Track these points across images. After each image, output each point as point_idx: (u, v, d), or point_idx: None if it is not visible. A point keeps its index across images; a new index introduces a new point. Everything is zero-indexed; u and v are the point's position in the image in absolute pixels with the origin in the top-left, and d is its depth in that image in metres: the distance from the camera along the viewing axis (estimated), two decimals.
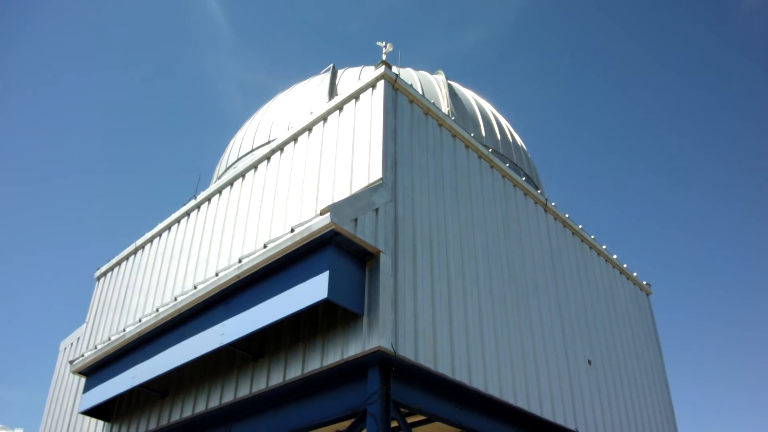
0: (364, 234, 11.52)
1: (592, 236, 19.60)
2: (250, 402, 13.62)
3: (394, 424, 11.43)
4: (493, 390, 13.15)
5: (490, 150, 18.08)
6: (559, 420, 14.92)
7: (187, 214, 17.86)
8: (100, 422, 18.59)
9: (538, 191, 18.49)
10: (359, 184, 12.72)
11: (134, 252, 19.03)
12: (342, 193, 12.89)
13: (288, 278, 11.98)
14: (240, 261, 12.80)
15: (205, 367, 14.91)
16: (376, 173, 12.51)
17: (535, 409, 14.18)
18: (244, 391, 13.51)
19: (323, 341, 12.12)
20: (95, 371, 17.75)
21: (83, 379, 18.66)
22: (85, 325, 21.68)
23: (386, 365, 11.40)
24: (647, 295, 22.35)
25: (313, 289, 11.31)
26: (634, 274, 21.60)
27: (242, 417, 14.14)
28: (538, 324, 15.51)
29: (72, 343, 22.40)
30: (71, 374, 20.57)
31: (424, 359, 11.75)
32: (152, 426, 16.26)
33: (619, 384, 18.14)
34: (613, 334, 18.86)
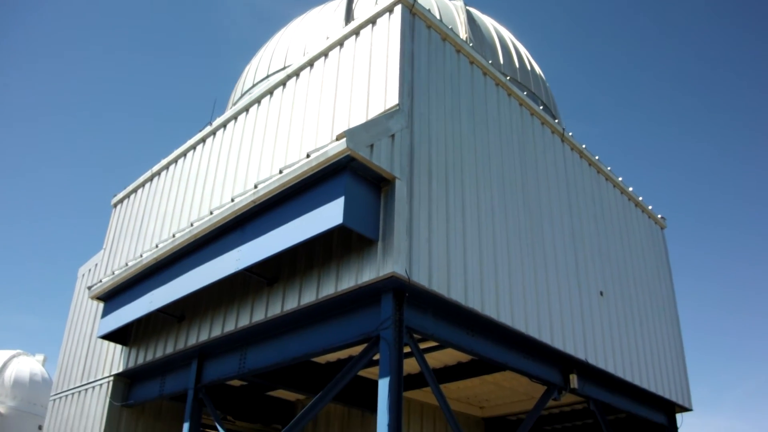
0: (380, 160, 11.48)
1: (609, 168, 19.45)
2: (265, 327, 13.81)
3: (406, 349, 11.53)
4: (505, 318, 13.24)
5: (508, 78, 17.82)
6: (569, 349, 15.04)
7: (203, 140, 17.83)
8: (119, 346, 18.92)
9: (556, 120, 18.28)
10: (375, 110, 12.62)
11: (150, 179, 19.08)
12: (358, 119, 12.80)
13: (303, 204, 12.00)
14: (256, 187, 12.82)
15: (221, 292, 15.08)
16: (392, 99, 12.39)
17: (545, 338, 14.30)
18: (259, 316, 13.68)
19: (338, 266, 12.20)
20: (113, 296, 18.00)
21: (101, 305, 18.92)
22: (102, 251, 21.88)
23: (400, 291, 11.49)
24: (662, 228, 22.26)
25: (329, 215, 11.34)
26: (650, 207, 21.48)
27: (257, 341, 14.36)
28: (552, 254, 15.52)
29: (90, 270, 22.64)
30: (89, 300, 20.85)
31: (438, 286, 11.82)
32: (169, 350, 16.54)
33: (630, 316, 18.22)
34: (626, 266, 18.87)
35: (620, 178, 19.94)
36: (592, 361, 15.73)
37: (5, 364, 68.90)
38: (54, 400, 21.95)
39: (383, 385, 11.01)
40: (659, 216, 22.10)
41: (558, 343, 14.69)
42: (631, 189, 20.41)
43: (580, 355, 15.38)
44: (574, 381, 15.40)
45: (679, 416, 20.37)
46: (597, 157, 18.94)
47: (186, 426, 15.55)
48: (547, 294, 14.86)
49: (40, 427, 54.71)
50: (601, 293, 17.09)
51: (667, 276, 21.56)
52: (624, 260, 18.83)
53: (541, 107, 17.68)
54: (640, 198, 20.95)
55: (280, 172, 12.31)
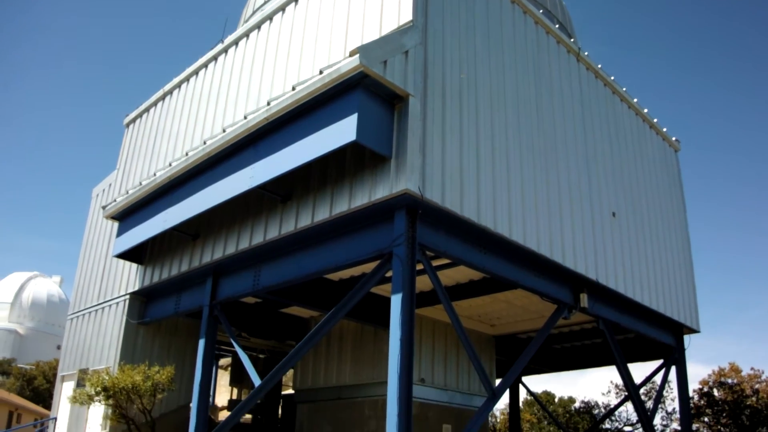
0: (394, 76, 11.38)
1: (624, 89, 19.23)
2: (279, 244, 13.94)
3: (419, 266, 11.66)
4: (517, 236, 13.32)
5: None
6: (581, 269, 15.16)
7: (215, 58, 17.67)
8: (134, 265, 19.16)
9: (571, 40, 18.01)
10: (389, 27, 12.45)
11: (162, 98, 19.01)
12: (371, 35, 12.64)
13: (316, 121, 11.97)
14: (268, 104, 12.77)
15: (235, 210, 15.17)
16: (406, 15, 12.21)
17: (557, 257, 14.40)
18: (273, 233, 13.80)
19: (351, 184, 12.24)
20: (127, 216, 18.15)
21: (116, 225, 19.09)
22: (116, 171, 21.97)
23: (413, 208, 11.54)
24: (675, 151, 22.12)
25: (342, 132, 11.32)
26: (664, 129, 21.30)
27: (271, 258, 14.50)
28: (565, 174, 15.49)
29: (104, 190, 22.77)
30: (104, 220, 21.04)
31: (451, 203, 11.87)
32: (184, 268, 16.75)
33: (641, 237, 18.26)
34: (639, 188, 18.83)
35: (635, 100, 19.74)
36: (602, 280, 15.86)
37: (22, 286, 70.15)
38: (71, 319, 22.37)
39: (396, 301, 11.17)
40: (673, 138, 21.94)
41: (569, 262, 14.80)
42: (646, 111, 20.21)
43: (591, 274, 15.50)
44: (584, 300, 15.54)
45: (686, 337, 20.62)
46: (612, 78, 18.71)
47: (201, 342, 15.87)
48: (559, 213, 14.90)
49: (58, 347, 55.88)
50: (614, 214, 17.11)
51: (680, 198, 21.52)
52: (637, 181, 18.78)
53: (557, 26, 17.35)
54: (655, 120, 20.76)
55: (293, 89, 12.24)
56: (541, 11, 16.50)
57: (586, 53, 17.69)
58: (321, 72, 11.69)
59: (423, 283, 15.14)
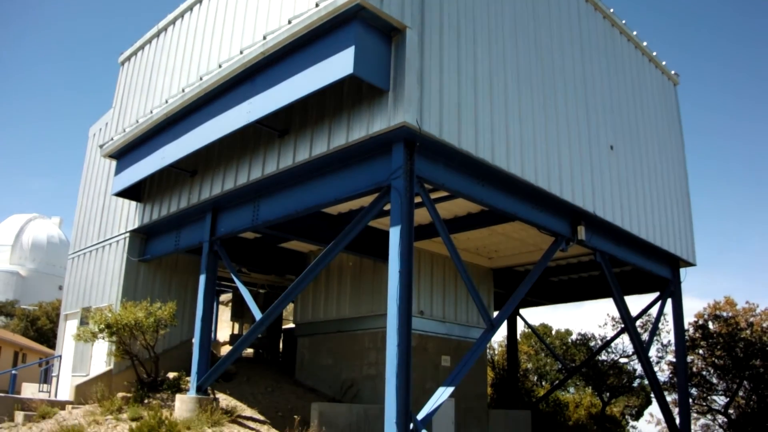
0: (391, 8, 11.28)
1: (623, 21, 19.01)
2: (278, 178, 13.99)
3: (417, 199, 11.72)
4: (515, 169, 13.36)
5: None
6: (578, 201, 15.23)
7: None
8: (133, 203, 19.23)
9: None
10: None
11: (157, 35, 18.76)
12: None
13: (313, 54, 11.90)
14: (264, 38, 12.68)
15: (232, 146, 15.17)
16: None
17: (555, 190, 14.46)
18: (271, 168, 13.83)
19: (349, 117, 12.23)
20: (125, 154, 18.15)
21: (114, 163, 19.10)
22: (112, 110, 21.84)
23: (411, 141, 11.56)
24: (674, 85, 22.00)
25: (339, 65, 11.26)
26: (663, 62, 21.14)
27: (270, 193, 14.56)
28: (563, 106, 15.46)
29: (101, 129, 22.70)
30: (102, 159, 21.04)
31: (449, 136, 11.88)
32: (183, 204, 16.82)
33: (638, 171, 18.30)
34: (637, 121, 18.79)
35: (635, 32, 19.54)
36: (600, 213, 15.95)
37: (22, 228, 70.23)
38: (72, 258, 22.52)
39: (394, 234, 11.27)
40: (672, 72, 21.80)
41: (567, 195, 14.86)
42: (645, 44, 20.03)
43: (589, 207, 15.58)
44: (581, 233, 15.65)
45: (683, 270, 20.82)
46: (612, 10, 18.49)
47: (202, 278, 16.04)
48: (557, 146, 14.91)
49: (60, 287, 56.22)
50: (611, 147, 17.12)
51: (678, 132, 21.49)
52: (635, 115, 18.73)
53: None
54: (654, 53, 20.59)
55: (289, 22, 12.14)
56: None
57: None
58: (317, 5, 11.58)
59: (421, 216, 15.23)
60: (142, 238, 19.27)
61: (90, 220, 22.00)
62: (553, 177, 14.50)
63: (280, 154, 13.65)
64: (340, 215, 17.02)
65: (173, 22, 17.92)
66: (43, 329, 54.59)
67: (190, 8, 17.14)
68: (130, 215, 19.38)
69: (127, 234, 19.17)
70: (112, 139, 18.72)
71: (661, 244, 18.69)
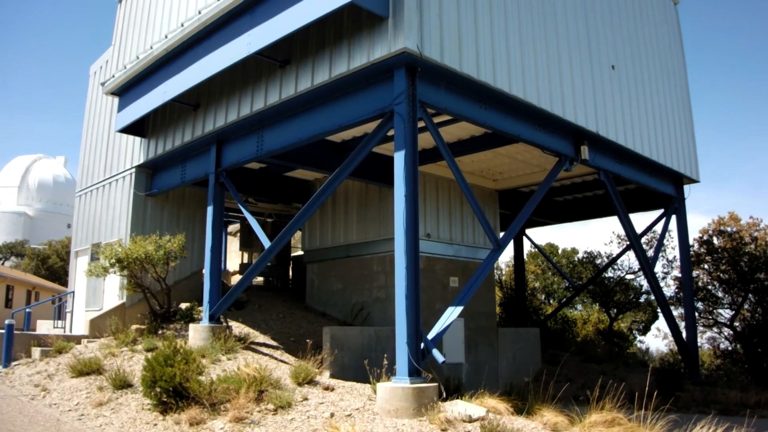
0: None
1: None
2: (281, 108, 14.06)
3: (420, 124, 11.81)
4: (517, 91, 13.40)
5: None
6: (581, 121, 15.30)
7: None
8: (138, 139, 19.32)
9: None
10: None
11: None
12: None
13: None
14: None
15: (234, 78, 15.20)
16: None
17: (557, 110, 14.52)
18: (273, 98, 13.90)
19: (349, 45, 12.23)
20: (127, 90, 18.17)
21: (116, 100, 19.12)
22: (111, 47, 21.78)
23: (412, 66, 11.60)
24: (675, 3, 21.78)
25: None
26: None
27: (273, 123, 14.66)
28: (564, 27, 15.38)
29: (101, 67, 22.63)
30: (105, 97, 21.06)
31: (450, 60, 11.91)
32: (187, 138, 16.92)
33: (640, 90, 18.28)
34: (638, 40, 18.68)
35: None
36: (602, 132, 16.02)
37: (27, 169, 70.33)
38: (80, 196, 22.72)
39: (399, 158, 11.40)
40: None
41: (569, 115, 14.92)
42: None
43: (591, 126, 15.65)
44: (585, 152, 15.76)
45: (686, 187, 20.99)
46: None
47: (210, 209, 16.25)
48: (558, 67, 14.90)
49: (68, 226, 56.70)
50: (613, 67, 17.08)
51: (679, 51, 21.38)
52: (636, 34, 18.62)
53: None
54: None
55: None
56: None
57: None
58: None
59: (425, 140, 15.34)
60: (148, 173, 19.42)
61: (95, 158, 22.12)
62: (555, 97, 14.54)
63: (282, 84, 13.69)
64: (343, 142, 17.12)
65: None
66: (54, 267, 55.32)
67: None
68: (135, 151, 19.50)
69: (133, 169, 19.31)
70: (113, 76, 18.72)
71: (664, 161, 18.80)
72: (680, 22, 21.88)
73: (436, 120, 13.51)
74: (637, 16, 18.86)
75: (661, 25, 20.39)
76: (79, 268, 21.17)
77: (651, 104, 18.67)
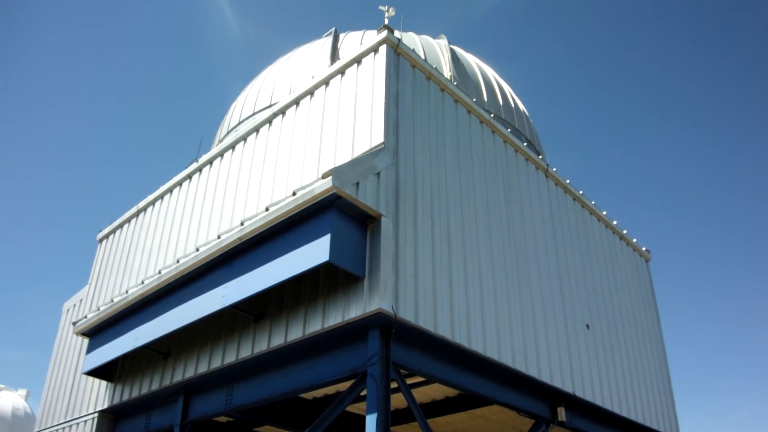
0: (366, 198, 11.58)
1: (593, 202, 19.66)
2: (252, 363, 13.79)
3: (394, 385, 11.57)
4: (491, 353, 13.31)
5: (492, 115, 18.05)
6: (557, 383, 15.11)
7: (189, 177, 17.88)
8: (104, 382, 18.80)
9: (540, 157, 18.51)
10: (361, 148, 12.74)
11: (136, 214, 19.11)
12: (344, 157, 12.92)
13: (290, 241, 12.05)
14: (242, 224, 12.88)
15: (207, 329, 15.06)
16: (377, 137, 12.53)
17: (533, 372, 14.36)
18: (246, 352, 13.67)
19: (324, 303, 12.24)
20: (98, 332, 17.91)
21: (86, 341, 18.82)
22: (87, 287, 21.81)
23: (386, 327, 11.54)
24: (646, 261, 22.47)
25: (315, 252, 11.39)
26: (634, 240, 21.69)
27: (244, 378, 14.32)
28: (538, 288, 15.64)
29: (75, 305, 22.53)
30: (74, 335, 20.76)
31: (424, 321, 11.88)
32: (155, 386, 16.46)
33: (616, 349, 18.32)
34: (612, 299, 19.01)
35: (604, 212, 20.16)
36: (579, 393, 15.79)
37: None
38: None
39: (371, 421, 11.01)
40: (644, 249, 22.32)
41: (545, 377, 14.75)
42: (615, 222, 20.63)
43: (568, 388, 15.44)
44: (561, 414, 15.45)
45: None
46: (581, 192, 19.14)
47: None
48: (533, 328, 14.95)
49: None
50: (587, 326, 17.20)
51: (653, 308, 21.73)
52: (609, 293, 18.98)
53: (525, 143, 17.86)
54: (625, 231, 21.18)
55: (267, 209, 12.38)
56: (509, 130, 17.03)
57: (554, 169, 18.14)
58: (294, 193, 11.87)
59: (399, 400, 14.99)
60: (110, 420, 18.66)
61: (58, 398, 21.37)
62: (531, 359, 14.45)
63: (255, 339, 13.54)
64: (315, 400, 16.70)
65: (153, 203, 18.30)
66: None
67: (170, 191, 17.56)
68: (99, 394, 18.87)
69: (96, 414, 18.57)
70: (86, 316, 18.53)
71: (643, 421, 18.42)
72: (652, 278, 22.43)
73: (410, 381, 13.29)
74: (609, 275, 19.33)
75: (634, 283, 20.86)
76: None
77: (627, 362, 18.63)
